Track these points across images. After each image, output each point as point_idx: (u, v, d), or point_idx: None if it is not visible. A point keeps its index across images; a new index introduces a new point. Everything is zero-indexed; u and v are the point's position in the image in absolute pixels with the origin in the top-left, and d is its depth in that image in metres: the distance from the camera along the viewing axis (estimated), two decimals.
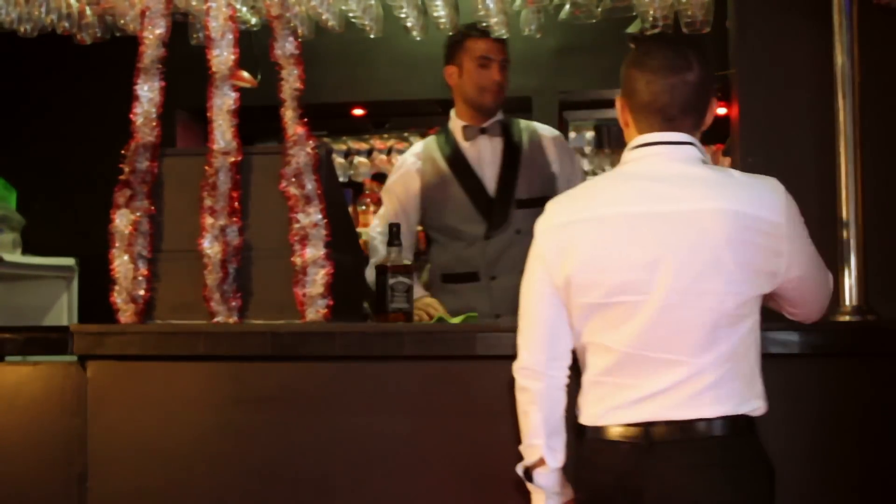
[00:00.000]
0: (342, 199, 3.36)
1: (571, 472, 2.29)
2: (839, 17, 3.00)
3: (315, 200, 2.91)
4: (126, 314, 2.96)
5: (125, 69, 3.09)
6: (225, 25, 3.01)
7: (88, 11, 4.01)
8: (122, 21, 3.94)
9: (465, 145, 3.62)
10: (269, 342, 2.79)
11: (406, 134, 5.96)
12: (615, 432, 2.14)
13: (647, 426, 2.10)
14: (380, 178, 6.04)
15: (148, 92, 3.03)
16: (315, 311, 2.88)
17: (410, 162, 3.68)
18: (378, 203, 5.84)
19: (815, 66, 3.23)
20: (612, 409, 2.15)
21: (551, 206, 2.25)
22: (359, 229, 5.62)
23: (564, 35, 4.74)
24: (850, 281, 2.81)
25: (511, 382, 2.37)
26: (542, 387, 2.21)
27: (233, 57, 3.01)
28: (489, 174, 3.63)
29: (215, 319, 2.92)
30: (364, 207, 5.82)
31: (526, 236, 3.59)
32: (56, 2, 3.98)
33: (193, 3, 3.67)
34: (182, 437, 2.84)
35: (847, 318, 2.75)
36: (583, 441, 2.22)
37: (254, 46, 3.28)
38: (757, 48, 3.27)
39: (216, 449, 2.82)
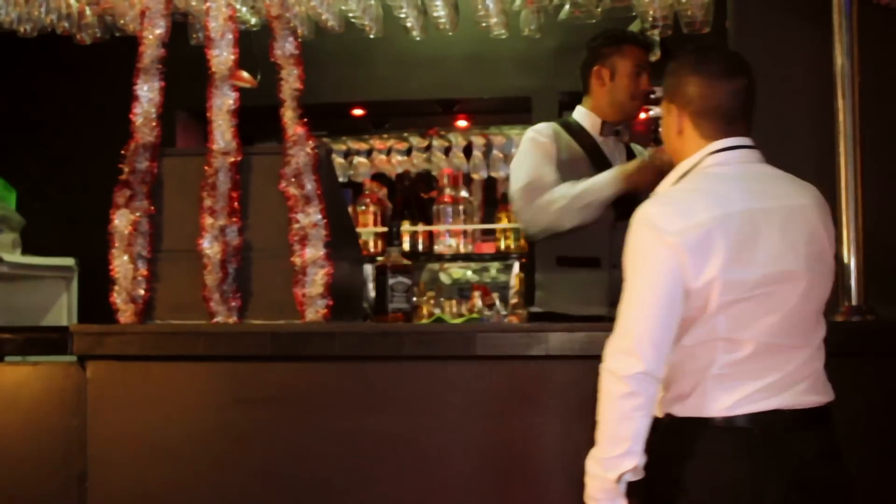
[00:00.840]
0: (342, 199, 3.37)
1: (677, 466, 2.20)
2: (839, 17, 3.00)
3: (315, 200, 2.91)
4: (126, 314, 2.96)
5: (125, 69, 3.09)
6: (225, 25, 3.01)
7: (88, 11, 4.02)
8: (121, 21, 3.95)
9: (599, 139, 3.62)
10: (268, 342, 2.79)
11: (406, 134, 5.95)
12: (748, 421, 2.16)
13: (778, 414, 2.16)
14: (379, 178, 6.04)
15: (148, 92, 3.03)
16: (315, 311, 2.88)
17: (544, 140, 3.58)
18: (378, 203, 5.85)
19: (815, 66, 3.22)
20: (742, 399, 2.16)
21: (670, 209, 2.18)
22: (359, 229, 5.62)
23: (564, 35, 4.73)
24: (850, 281, 2.81)
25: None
26: (654, 392, 2.15)
27: (232, 57, 3.01)
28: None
29: (215, 319, 2.91)
30: (364, 207, 5.82)
31: None
32: (56, 2, 3.98)
33: (193, 3, 3.68)
34: (182, 437, 2.83)
35: (847, 318, 2.75)
36: (694, 434, 2.19)
37: (254, 46, 3.28)
38: (757, 48, 3.27)
39: (216, 449, 2.82)
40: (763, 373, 2.17)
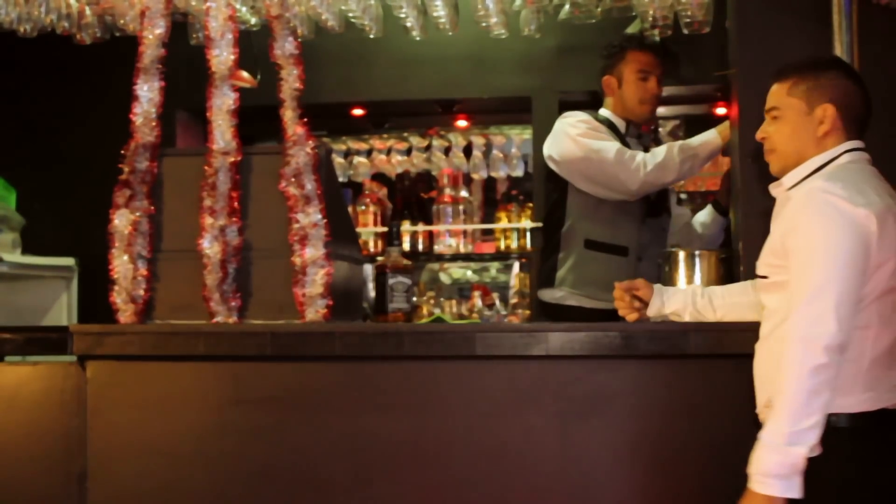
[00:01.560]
0: (342, 199, 3.37)
1: (832, 470, 2.18)
2: (839, 17, 3.00)
3: (315, 200, 2.91)
4: (126, 314, 2.96)
5: (125, 69, 3.09)
6: (225, 25, 3.01)
7: (88, 11, 4.02)
8: (121, 21, 3.94)
9: (628, 139, 3.70)
10: (268, 342, 2.79)
11: (406, 134, 5.95)
12: (880, 418, 2.20)
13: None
14: (379, 178, 6.04)
15: (148, 92, 3.02)
16: (315, 311, 2.88)
17: (597, 122, 3.68)
18: (378, 203, 5.84)
19: None
20: (881, 394, 2.22)
21: (849, 187, 2.21)
22: (358, 229, 5.62)
23: (564, 35, 4.72)
24: None
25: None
26: (840, 363, 2.14)
27: (232, 57, 3.01)
28: None
29: (215, 319, 2.91)
30: (364, 207, 5.82)
31: (664, 233, 3.70)
32: (56, 2, 3.98)
33: (193, 3, 3.68)
34: (182, 437, 2.84)
35: None
36: (845, 434, 2.20)
37: (254, 46, 3.27)
38: (757, 48, 3.27)
39: (216, 449, 2.82)
40: (891, 371, 2.23)
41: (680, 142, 3.55)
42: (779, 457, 2.11)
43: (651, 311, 2.77)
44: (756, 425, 2.34)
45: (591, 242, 3.61)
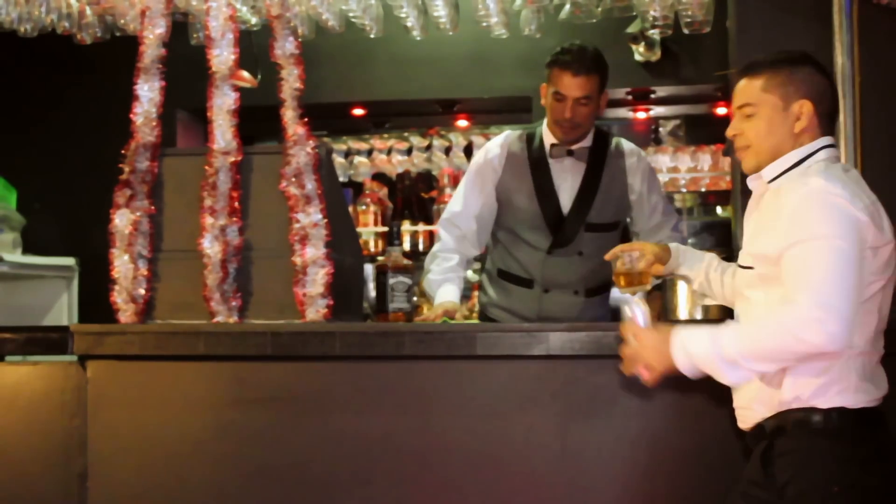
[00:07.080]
0: (342, 199, 3.37)
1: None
2: (839, 17, 3.01)
3: (315, 200, 2.91)
4: (126, 314, 2.96)
5: (125, 69, 3.09)
6: (225, 25, 3.01)
7: (88, 11, 4.02)
8: (122, 21, 3.95)
9: (551, 160, 3.54)
10: (269, 342, 2.79)
11: (406, 134, 5.96)
12: (863, 418, 2.25)
13: None
14: (380, 178, 6.04)
15: (148, 92, 3.02)
16: (315, 311, 2.88)
17: (494, 154, 3.58)
18: (378, 203, 5.85)
19: None
20: (870, 387, 2.25)
21: (847, 188, 2.22)
22: (359, 229, 5.62)
23: (564, 35, 4.72)
24: None
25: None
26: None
27: (233, 57, 3.01)
28: (566, 195, 3.53)
29: (215, 319, 2.91)
30: (364, 207, 5.82)
31: (588, 259, 3.52)
32: (56, 2, 3.99)
33: (193, 3, 3.68)
34: (182, 437, 2.84)
35: None
36: (827, 430, 2.22)
37: (254, 46, 3.28)
38: (757, 48, 3.27)
39: (216, 449, 2.82)
40: (870, 361, 2.26)
41: (433, 278, 3.57)
42: (709, 355, 2.17)
43: (665, 270, 2.71)
44: (734, 422, 2.37)
45: (503, 273, 3.65)
